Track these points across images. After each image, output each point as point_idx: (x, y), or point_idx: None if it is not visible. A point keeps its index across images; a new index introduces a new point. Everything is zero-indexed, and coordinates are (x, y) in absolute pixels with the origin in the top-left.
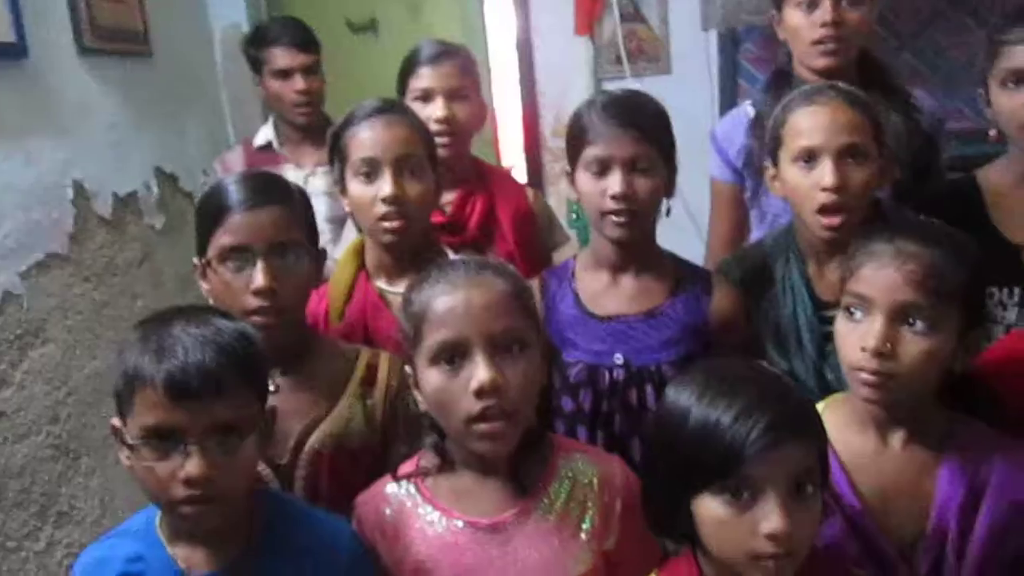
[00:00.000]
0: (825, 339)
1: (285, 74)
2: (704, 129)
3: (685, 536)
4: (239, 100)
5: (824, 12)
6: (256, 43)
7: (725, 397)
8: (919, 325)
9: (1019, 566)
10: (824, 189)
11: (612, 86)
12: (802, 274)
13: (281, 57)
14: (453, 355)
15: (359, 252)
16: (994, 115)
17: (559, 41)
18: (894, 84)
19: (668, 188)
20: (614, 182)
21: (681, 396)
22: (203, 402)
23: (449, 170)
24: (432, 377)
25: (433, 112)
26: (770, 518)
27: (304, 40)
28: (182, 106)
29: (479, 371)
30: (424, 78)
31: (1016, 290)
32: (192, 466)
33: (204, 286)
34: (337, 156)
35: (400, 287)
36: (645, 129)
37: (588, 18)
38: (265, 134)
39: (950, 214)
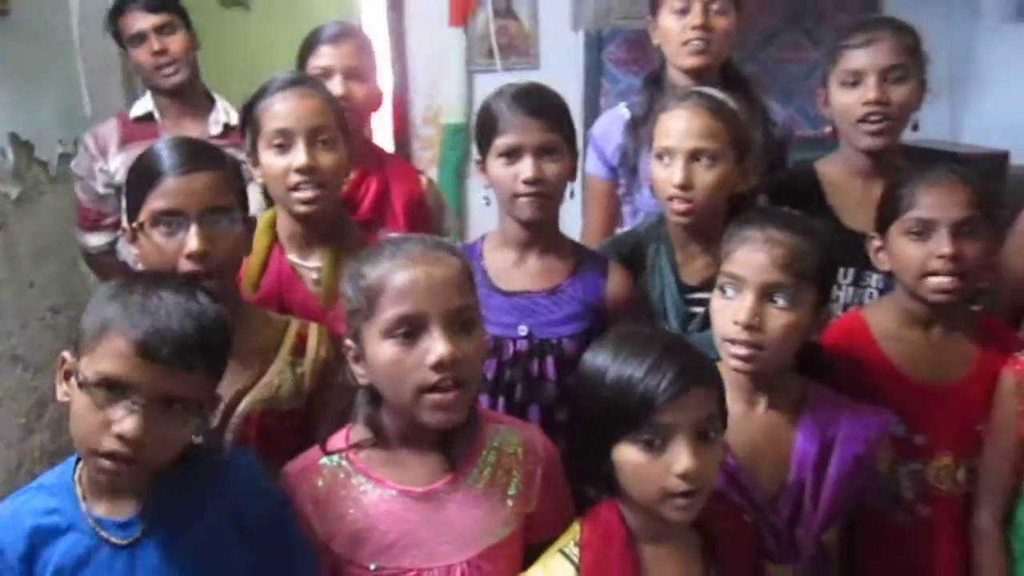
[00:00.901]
0: (688, 319)
1: (140, 38)
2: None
3: (607, 484)
4: (95, 69)
5: (694, 16)
6: (114, 16)
7: (637, 355)
8: (782, 302)
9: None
10: (673, 184)
11: (483, 78)
12: (670, 260)
13: (134, 22)
14: (410, 328)
15: (272, 225)
16: (832, 113)
17: (433, 31)
18: (753, 96)
19: (572, 172)
20: (526, 167)
21: (599, 357)
22: (166, 370)
23: None
24: (386, 350)
25: (332, 90)
26: (680, 459)
27: (152, 2)
28: (38, 71)
29: (438, 345)
30: (324, 56)
31: (851, 271)
32: (129, 424)
33: (133, 250)
34: (250, 127)
35: (312, 261)
36: (552, 118)
37: (462, 11)
38: (144, 104)
39: (795, 201)
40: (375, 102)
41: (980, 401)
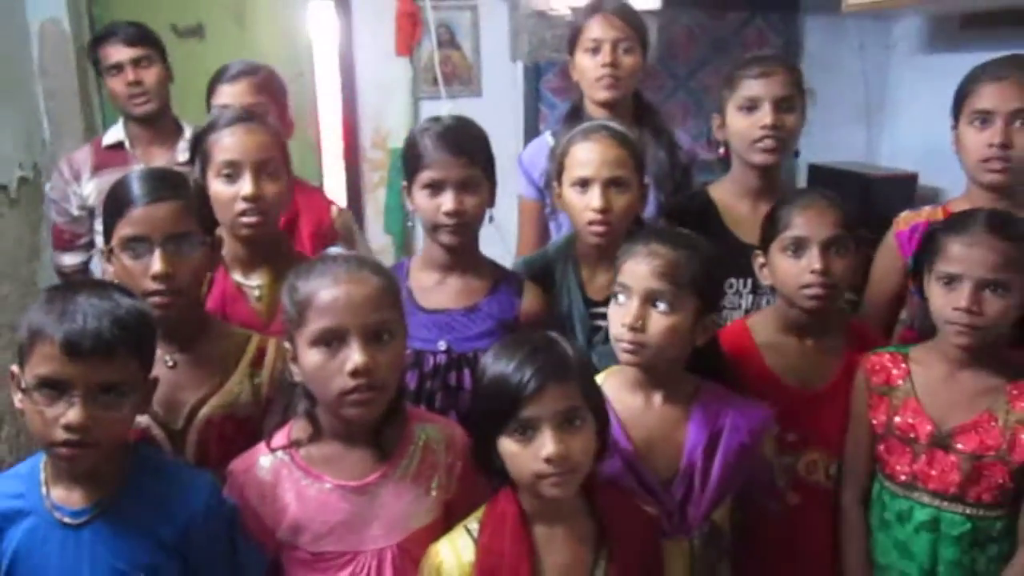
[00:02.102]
0: (594, 331)
1: (118, 68)
2: (510, 148)
3: (503, 473)
4: (55, 95)
5: (604, 55)
6: (93, 46)
7: (507, 356)
8: (662, 307)
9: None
10: (592, 210)
11: (428, 104)
12: (577, 277)
13: (112, 53)
14: (332, 339)
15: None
16: (727, 136)
17: (380, 60)
18: (661, 125)
19: (490, 200)
20: (447, 200)
21: (486, 360)
22: (92, 362)
23: None
24: (312, 356)
25: None
26: (546, 446)
27: (132, 35)
28: None
29: (355, 355)
30: (223, 95)
31: (748, 280)
32: (73, 414)
33: (109, 269)
34: (199, 157)
35: (254, 279)
36: (472, 154)
37: (408, 41)
38: (115, 133)
39: (693, 221)
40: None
41: (846, 402)
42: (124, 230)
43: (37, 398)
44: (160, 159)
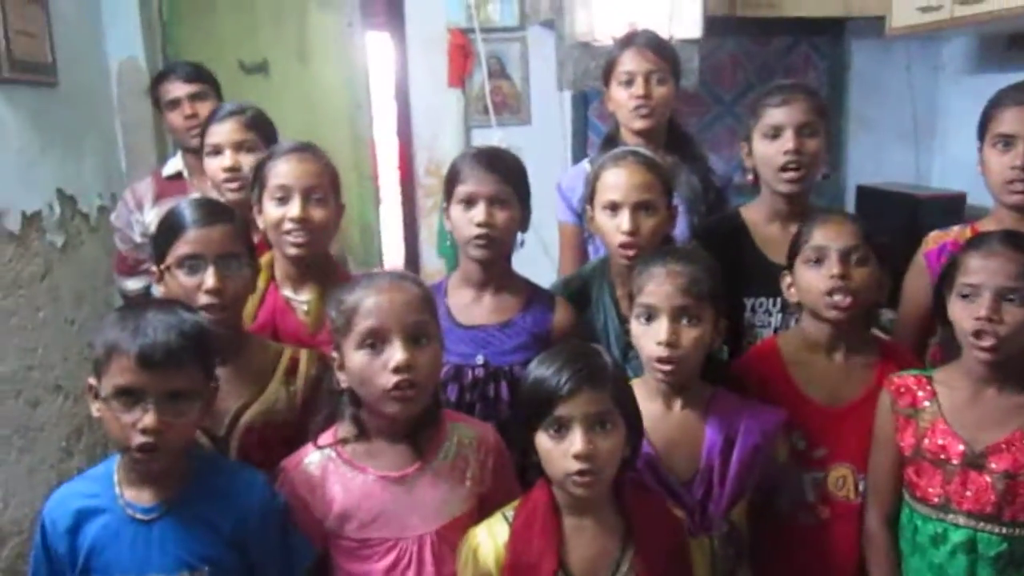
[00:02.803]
0: (628, 347)
1: (175, 103)
2: (558, 174)
3: (539, 469)
4: (132, 129)
5: (637, 87)
6: (155, 83)
7: (548, 361)
8: (690, 320)
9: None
10: (622, 232)
11: (480, 133)
12: (611, 296)
13: (171, 90)
14: (376, 340)
15: (270, 265)
16: (754, 163)
17: (433, 91)
18: (695, 151)
19: (523, 224)
20: (478, 213)
21: (532, 364)
22: (163, 372)
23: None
24: (358, 357)
25: (222, 163)
26: (576, 444)
27: (190, 73)
28: (81, 133)
29: (397, 353)
30: (214, 135)
31: (778, 299)
32: (148, 419)
33: (160, 288)
34: (257, 183)
35: (302, 295)
36: (504, 172)
37: (459, 73)
38: (174, 164)
39: (725, 242)
40: None
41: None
42: (181, 249)
43: (115, 406)
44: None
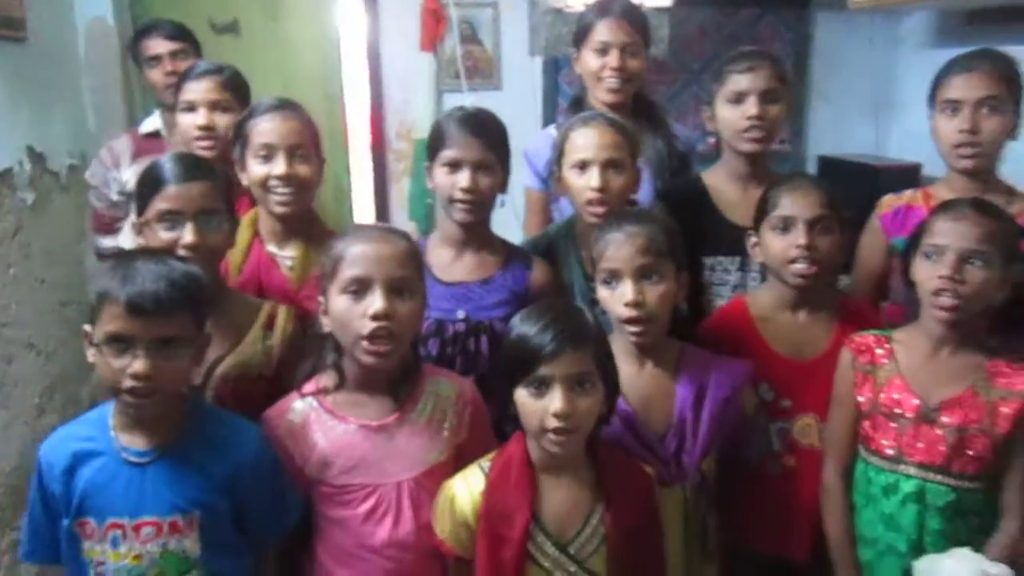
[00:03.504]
0: (594, 304)
1: (156, 60)
2: (529, 139)
3: (516, 422)
4: (100, 89)
5: (612, 59)
6: (135, 40)
7: (532, 319)
8: (653, 278)
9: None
10: (592, 189)
11: (451, 97)
12: (577, 255)
13: (152, 46)
14: (359, 288)
15: (254, 221)
16: (717, 127)
17: (405, 55)
18: (660, 118)
19: (503, 185)
20: (463, 178)
21: (515, 320)
22: (153, 319)
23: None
24: (341, 302)
25: (195, 121)
26: (555, 402)
27: (172, 30)
28: (51, 91)
29: (377, 301)
30: (188, 92)
31: (737, 259)
32: (138, 364)
33: (139, 240)
34: (239, 141)
35: (287, 251)
36: (490, 139)
37: (431, 37)
38: (152, 122)
39: (687, 204)
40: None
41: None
42: (160, 204)
43: (106, 352)
44: None
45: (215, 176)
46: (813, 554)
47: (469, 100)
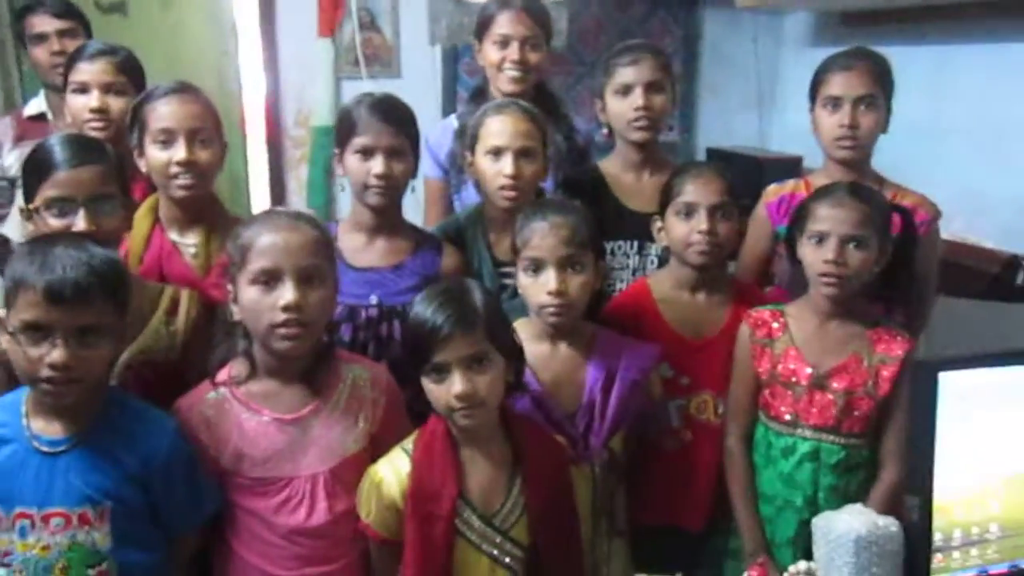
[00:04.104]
0: (502, 289)
1: (42, 38)
2: (428, 128)
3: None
4: None
5: (512, 52)
6: (19, 16)
7: (426, 302)
8: (576, 268)
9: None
10: (505, 176)
11: (349, 84)
12: (485, 240)
13: (38, 24)
14: (268, 278)
15: (154, 208)
16: (608, 118)
17: (303, 41)
18: (560, 110)
19: (413, 171)
20: (377, 164)
21: (412, 304)
22: (72, 308)
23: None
24: (251, 293)
25: (87, 103)
26: (455, 385)
27: (59, 8)
28: None
29: (287, 293)
30: (82, 72)
31: (635, 243)
32: (56, 354)
33: (29, 227)
34: (137, 125)
35: (189, 238)
36: (401, 125)
37: (330, 23)
38: (37, 104)
39: (586, 193)
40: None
41: (731, 350)
42: (49, 191)
43: (23, 340)
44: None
45: (107, 158)
46: (706, 522)
47: (368, 87)
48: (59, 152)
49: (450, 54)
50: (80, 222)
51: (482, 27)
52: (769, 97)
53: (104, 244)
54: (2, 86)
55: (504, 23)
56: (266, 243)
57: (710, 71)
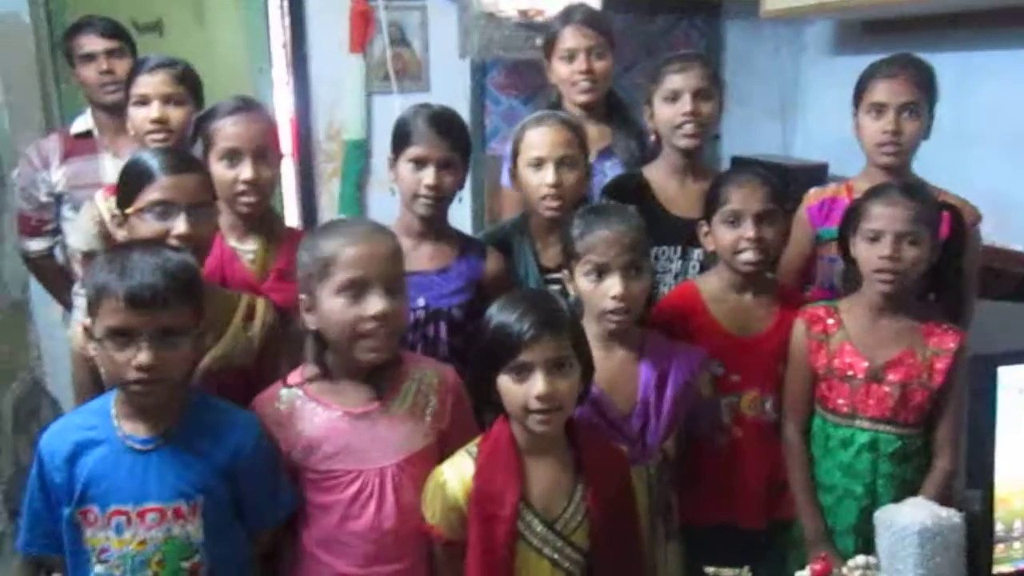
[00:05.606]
0: None
1: (90, 57)
2: None
3: (499, 407)
4: (15, 88)
5: (579, 63)
6: (68, 36)
7: (510, 307)
8: (637, 272)
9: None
10: (547, 186)
11: (380, 99)
12: (531, 248)
13: (86, 43)
14: (356, 289)
15: None
16: (655, 124)
17: (333, 56)
18: (631, 117)
19: (462, 183)
20: (428, 176)
21: (492, 310)
22: (152, 311)
23: None
24: (337, 303)
25: (148, 114)
26: (537, 386)
27: (107, 28)
28: None
29: (378, 303)
30: (141, 85)
31: (678, 248)
32: (142, 356)
33: (121, 233)
34: (202, 140)
35: (248, 245)
36: (455, 138)
37: (360, 39)
38: (83, 123)
39: (630, 198)
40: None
41: (779, 348)
42: (153, 195)
43: (108, 346)
44: (127, 147)
45: (204, 170)
46: (764, 520)
47: (398, 102)
48: (163, 160)
49: (478, 68)
50: (180, 225)
51: (548, 46)
52: (792, 105)
53: (197, 250)
54: (43, 106)
55: (568, 37)
56: (353, 254)
57: (733, 80)
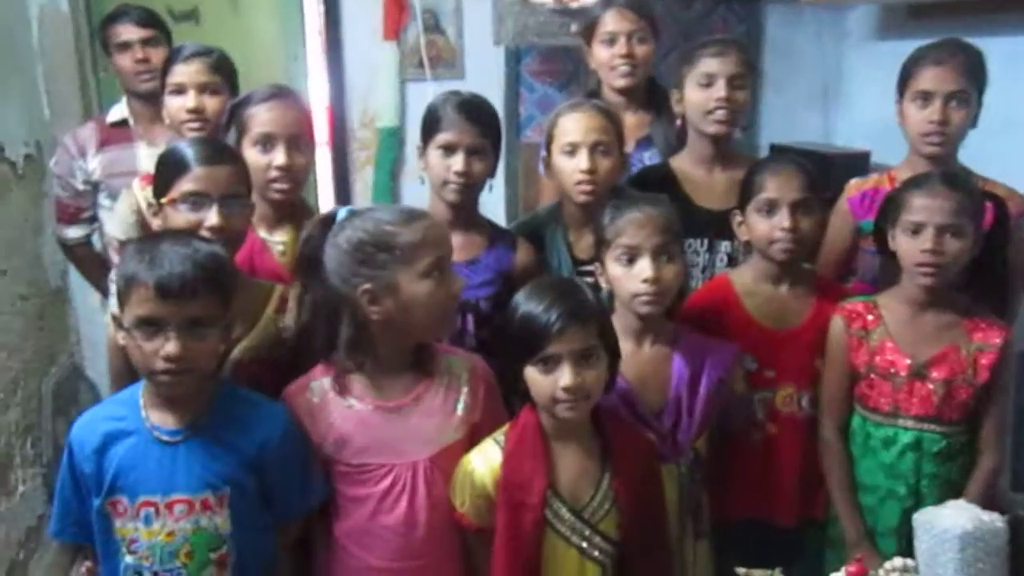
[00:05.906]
0: None
1: (126, 46)
2: None
3: (526, 396)
4: (54, 76)
5: (620, 47)
6: (104, 25)
7: (537, 297)
8: (669, 256)
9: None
10: (581, 171)
11: (414, 86)
12: (564, 239)
13: (123, 32)
14: (438, 271)
15: None
16: (684, 109)
17: (368, 44)
18: (671, 105)
19: (493, 171)
20: (457, 162)
21: (518, 299)
22: (181, 301)
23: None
24: (424, 286)
25: (185, 104)
26: (564, 377)
27: (143, 17)
28: (4, 80)
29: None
30: (177, 74)
31: (705, 240)
32: (170, 347)
33: (156, 222)
34: (235, 126)
35: (278, 236)
36: (485, 125)
37: (394, 26)
38: (119, 111)
39: (656, 189)
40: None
41: (815, 342)
42: (187, 186)
43: (137, 335)
44: (163, 136)
45: (239, 162)
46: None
47: (432, 89)
48: (198, 151)
49: (513, 55)
50: (213, 217)
51: (589, 31)
52: (834, 92)
53: (229, 242)
54: (81, 95)
55: (610, 21)
56: (431, 237)
57: (773, 66)
